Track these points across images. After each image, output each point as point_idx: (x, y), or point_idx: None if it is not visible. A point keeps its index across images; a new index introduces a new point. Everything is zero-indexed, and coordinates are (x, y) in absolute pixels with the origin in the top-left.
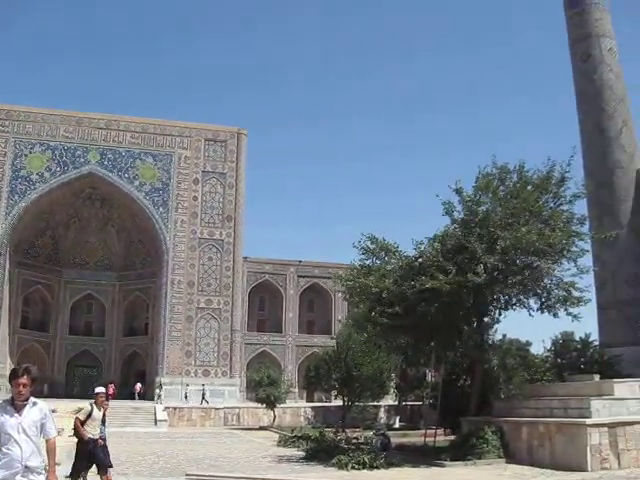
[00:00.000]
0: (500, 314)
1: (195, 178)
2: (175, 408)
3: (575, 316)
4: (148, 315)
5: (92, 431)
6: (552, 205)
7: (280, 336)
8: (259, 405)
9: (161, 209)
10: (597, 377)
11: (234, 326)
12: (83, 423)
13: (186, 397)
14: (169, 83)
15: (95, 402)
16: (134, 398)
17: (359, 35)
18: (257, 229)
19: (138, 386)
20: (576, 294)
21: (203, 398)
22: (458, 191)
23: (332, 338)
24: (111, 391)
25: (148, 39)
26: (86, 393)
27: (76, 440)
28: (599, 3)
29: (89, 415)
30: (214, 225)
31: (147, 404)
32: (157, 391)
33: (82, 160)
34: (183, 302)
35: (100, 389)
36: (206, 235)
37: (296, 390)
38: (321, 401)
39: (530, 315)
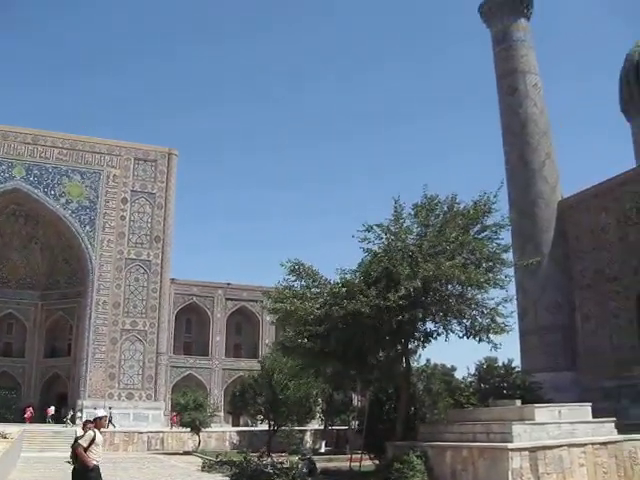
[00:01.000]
0: (425, 340)
1: (124, 197)
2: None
3: (495, 345)
4: (71, 336)
5: (96, 457)
6: (478, 236)
7: (206, 359)
8: (184, 429)
9: (88, 228)
10: (519, 402)
11: (160, 349)
12: (86, 449)
13: (110, 421)
14: (102, 101)
15: (96, 427)
16: (48, 422)
17: (292, 58)
18: (185, 251)
19: (51, 409)
20: (500, 321)
21: (110, 422)
22: (378, 225)
23: (259, 362)
24: (28, 414)
25: (83, 57)
26: (3, 416)
27: (72, 467)
28: (525, 40)
29: (92, 440)
30: (142, 245)
31: (68, 428)
32: (70, 414)
33: (6, 175)
34: (108, 323)
35: (102, 413)
36: (133, 255)
37: (222, 414)
38: (247, 425)
39: (446, 340)
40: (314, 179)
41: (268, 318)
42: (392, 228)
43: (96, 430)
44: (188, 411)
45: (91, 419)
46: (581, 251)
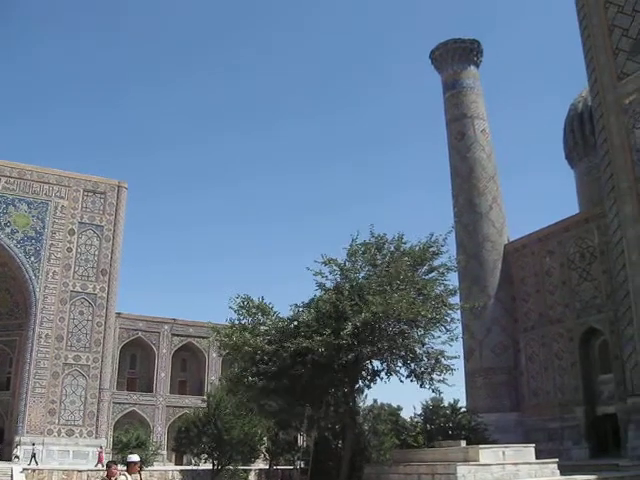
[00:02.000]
0: (371, 380)
1: (71, 229)
2: (34, 470)
3: (434, 390)
4: (11, 369)
5: None
6: (426, 277)
7: (150, 396)
8: (125, 467)
9: (33, 259)
10: (464, 443)
11: (103, 384)
12: None
13: (33, 457)
14: (53, 130)
15: (128, 471)
16: None
17: (231, 95)
18: (132, 285)
19: None
20: (445, 362)
21: (33, 458)
22: (331, 260)
23: (204, 400)
24: None
25: (35, 87)
26: None
27: None
28: (474, 87)
29: None
30: (88, 278)
31: (3, 465)
32: (15, 451)
33: None
34: (50, 357)
35: (135, 458)
36: (79, 288)
37: (165, 452)
38: (190, 464)
39: (400, 381)
40: (266, 216)
41: (215, 354)
42: (347, 265)
43: (128, 475)
44: (130, 449)
45: (114, 460)
46: (526, 293)
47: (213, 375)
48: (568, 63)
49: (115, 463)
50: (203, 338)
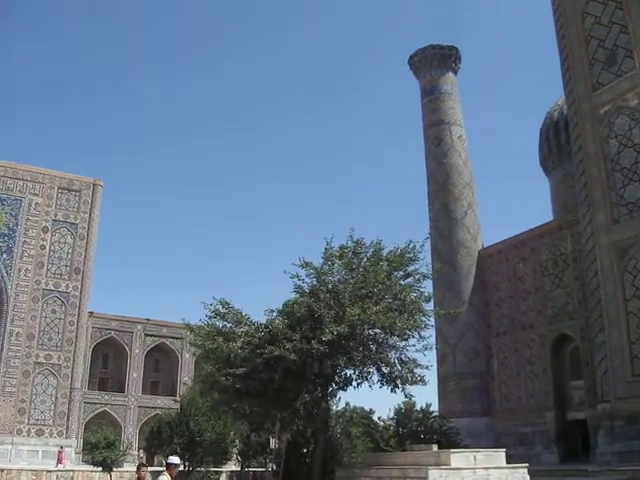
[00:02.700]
0: (344, 385)
1: (45, 226)
2: (2, 470)
3: (406, 395)
4: None
5: None
6: (402, 282)
7: (122, 396)
8: (95, 468)
9: (5, 256)
10: (435, 447)
11: (74, 384)
12: None
13: None
14: (29, 127)
15: (169, 472)
16: None
17: (205, 95)
18: (106, 284)
19: None
20: (418, 372)
21: None
22: (307, 264)
23: (176, 401)
24: None
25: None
26: None
27: None
28: (452, 93)
29: None
30: (60, 277)
31: None
32: None
33: None
34: (20, 356)
35: (175, 460)
36: (51, 286)
37: (136, 453)
38: (161, 465)
39: (370, 387)
40: (241, 217)
41: (188, 355)
42: (323, 268)
43: (168, 475)
44: (99, 449)
45: (144, 462)
46: (499, 299)
47: (186, 376)
48: (545, 71)
49: (145, 465)
50: (176, 339)
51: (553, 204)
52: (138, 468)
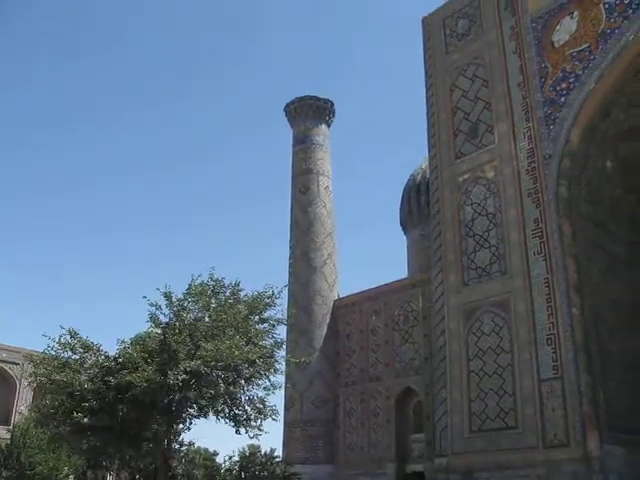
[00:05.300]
0: (190, 422)
1: None
2: None
3: (252, 437)
4: None
5: None
6: (257, 326)
7: None
8: None
9: None
10: None
11: None
12: None
13: None
14: None
15: None
16: None
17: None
18: None
19: None
20: (266, 412)
21: None
22: (167, 295)
23: (9, 430)
24: None
25: None
26: None
27: None
28: (323, 145)
29: None
30: None
31: None
32: None
33: None
34: None
35: None
36: None
37: None
38: None
39: (217, 423)
40: (83, 232)
41: (26, 383)
42: (183, 303)
43: None
44: None
45: None
46: (350, 350)
47: (22, 405)
48: (415, 133)
49: None
50: (15, 364)
51: (409, 262)
52: None
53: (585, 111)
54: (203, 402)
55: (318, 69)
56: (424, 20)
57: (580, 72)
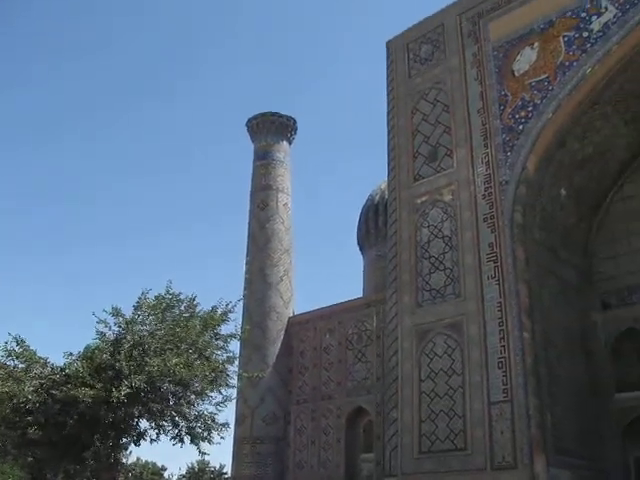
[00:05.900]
0: (138, 437)
1: None
2: None
3: (201, 452)
4: None
5: None
6: (210, 341)
7: None
8: None
9: None
10: None
11: None
12: None
13: None
14: None
15: None
16: None
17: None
18: None
19: None
20: (214, 431)
21: None
22: (115, 311)
23: None
24: None
25: None
26: None
27: None
28: (284, 162)
29: None
30: None
31: None
32: None
33: None
34: None
35: None
36: None
37: None
38: None
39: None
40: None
41: None
42: (133, 317)
43: None
44: None
45: None
46: (303, 367)
47: None
48: (376, 152)
49: None
50: None
51: (364, 282)
52: None
53: (542, 140)
54: (147, 417)
55: (283, 85)
56: (388, 44)
57: (538, 101)
